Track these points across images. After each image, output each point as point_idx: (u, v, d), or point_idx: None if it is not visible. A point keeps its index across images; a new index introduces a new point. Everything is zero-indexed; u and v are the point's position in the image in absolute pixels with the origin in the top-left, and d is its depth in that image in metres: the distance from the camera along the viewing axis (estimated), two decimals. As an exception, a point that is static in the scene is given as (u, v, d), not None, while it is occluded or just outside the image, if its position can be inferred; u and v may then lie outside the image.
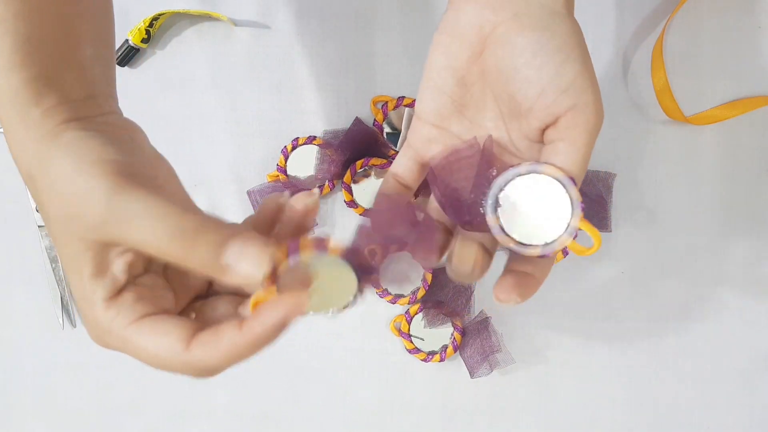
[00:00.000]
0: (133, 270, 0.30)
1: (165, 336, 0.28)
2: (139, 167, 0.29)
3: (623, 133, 0.53)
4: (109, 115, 0.32)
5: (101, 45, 0.34)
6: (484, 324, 0.52)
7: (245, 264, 0.27)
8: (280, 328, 0.28)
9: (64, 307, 0.54)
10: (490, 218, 0.33)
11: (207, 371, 0.29)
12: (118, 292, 0.29)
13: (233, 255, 0.27)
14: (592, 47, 0.52)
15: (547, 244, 0.32)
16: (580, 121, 0.33)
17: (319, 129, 0.53)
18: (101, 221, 0.27)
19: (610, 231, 0.52)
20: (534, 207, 0.33)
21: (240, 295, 0.32)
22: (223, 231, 0.27)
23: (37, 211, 0.53)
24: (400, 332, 0.53)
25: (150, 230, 0.27)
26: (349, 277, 0.30)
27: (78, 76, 0.32)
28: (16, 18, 0.30)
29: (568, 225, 0.33)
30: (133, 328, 0.29)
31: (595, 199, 0.52)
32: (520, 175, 0.33)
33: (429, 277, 0.52)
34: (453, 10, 0.35)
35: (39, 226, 0.53)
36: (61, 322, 0.54)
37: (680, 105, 0.52)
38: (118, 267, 0.29)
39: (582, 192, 0.51)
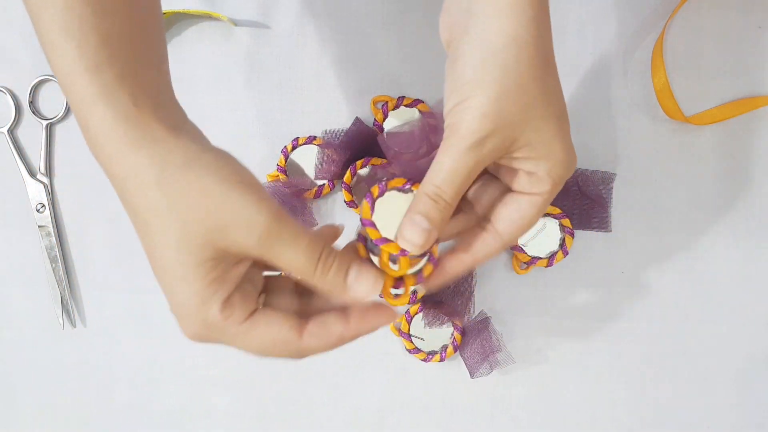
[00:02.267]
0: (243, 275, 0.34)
1: (279, 328, 0.33)
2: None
3: (623, 133, 0.53)
4: (189, 121, 0.35)
5: (163, 43, 0.36)
6: (484, 324, 0.52)
7: (363, 286, 0.34)
8: (378, 328, 0.35)
9: (64, 307, 0.54)
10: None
11: (310, 355, 0.34)
12: (229, 295, 0.33)
13: (353, 279, 0.34)
14: (592, 47, 0.53)
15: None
16: (447, 138, 0.34)
17: (319, 129, 0.53)
18: (256, 241, 0.32)
19: (610, 231, 0.52)
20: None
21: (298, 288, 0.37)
22: (343, 259, 0.34)
23: (38, 211, 0.53)
24: (400, 332, 0.53)
25: (295, 257, 0.33)
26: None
27: (158, 75, 0.34)
28: (95, 15, 0.31)
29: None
30: (248, 323, 0.33)
31: (595, 199, 0.52)
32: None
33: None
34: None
35: (39, 226, 0.53)
36: (61, 322, 0.54)
37: (680, 105, 0.52)
38: (236, 274, 0.33)
39: (582, 192, 0.52)
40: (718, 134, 0.53)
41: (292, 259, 0.33)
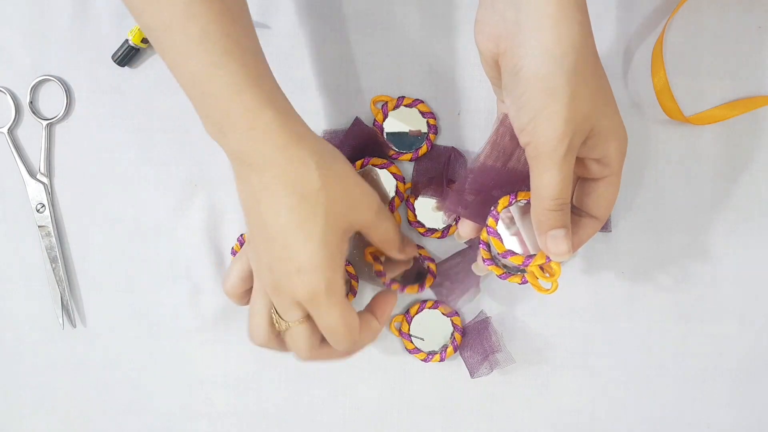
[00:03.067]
0: None
1: (354, 320, 0.42)
2: None
3: (623, 133, 0.53)
4: None
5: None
6: (484, 324, 0.52)
7: (409, 253, 0.49)
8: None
9: (64, 307, 0.54)
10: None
11: (359, 350, 0.45)
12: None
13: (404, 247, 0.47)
14: (592, 47, 0.53)
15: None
16: (536, 154, 0.38)
17: (319, 129, 0.53)
18: (373, 215, 0.43)
19: (610, 231, 0.52)
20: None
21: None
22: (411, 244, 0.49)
23: (38, 211, 0.53)
24: (400, 332, 0.53)
25: (392, 229, 0.45)
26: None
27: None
28: (246, 37, 0.40)
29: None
30: (344, 301, 0.41)
31: (595, 199, 0.52)
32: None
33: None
34: (475, 32, 0.42)
35: (39, 226, 0.53)
36: (61, 322, 0.54)
37: (680, 105, 0.52)
38: (347, 247, 0.42)
39: None
40: (718, 134, 0.53)
41: (389, 230, 0.44)
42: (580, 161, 0.40)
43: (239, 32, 0.39)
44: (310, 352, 0.42)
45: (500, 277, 0.45)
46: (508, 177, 0.42)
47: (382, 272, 0.49)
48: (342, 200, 0.40)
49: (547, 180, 0.38)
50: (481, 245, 0.44)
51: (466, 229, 0.45)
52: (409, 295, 0.51)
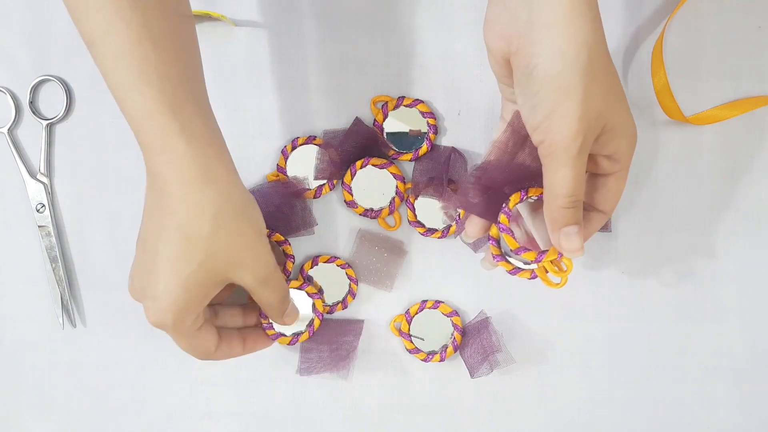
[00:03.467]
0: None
1: (209, 342, 0.44)
2: None
3: (623, 133, 0.53)
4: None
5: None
6: (484, 324, 0.52)
7: (291, 318, 0.48)
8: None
9: (64, 307, 0.54)
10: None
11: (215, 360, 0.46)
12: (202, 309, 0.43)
13: (288, 311, 0.47)
14: (592, 47, 0.53)
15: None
16: (550, 152, 0.38)
17: (319, 129, 0.53)
18: (256, 282, 0.43)
19: (610, 231, 0.52)
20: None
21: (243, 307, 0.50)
22: (293, 305, 0.49)
23: (38, 211, 0.53)
24: (400, 332, 0.53)
25: (275, 296, 0.45)
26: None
27: (209, 111, 0.42)
28: (165, 64, 0.39)
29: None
30: (195, 333, 0.43)
31: (595, 199, 0.52)
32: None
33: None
34: (484, 29, 0.42)
35: (39, 226, 0.53)
36: (61, 322, 0.54)
37: (680, 105, 0.52)
38: (212, 296, 0.43)
39: None
40: (718, 134, 0.53)
41: (269, 297, 0.44)
42: (590, 157, 0.40)
43: (161, 56, 0.38)
44: (189, 352, 0.45)
45: (510, 273, 0.45)
46: (518, 174, 0.43)
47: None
48: (225, 257, 0.40)
49: (561, 178, 0.38)
50: (490, 241, 0.44)
51: (474, 227, 0.45)
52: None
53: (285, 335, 0.50)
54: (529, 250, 0.43)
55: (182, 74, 0.39)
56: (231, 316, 0.48)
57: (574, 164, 0.38)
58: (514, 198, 0.43)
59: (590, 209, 0.43)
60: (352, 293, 0.52)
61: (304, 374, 0.52)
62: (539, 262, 0.43)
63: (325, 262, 0.52)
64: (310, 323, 0.51)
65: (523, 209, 0.44)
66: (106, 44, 0.37)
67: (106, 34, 0.37)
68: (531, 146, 0.40)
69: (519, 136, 0.42)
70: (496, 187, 0.43)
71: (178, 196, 0.39)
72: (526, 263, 0.45)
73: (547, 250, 0.43)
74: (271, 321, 0.49)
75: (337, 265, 0.52)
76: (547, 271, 0.44)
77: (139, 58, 0.37)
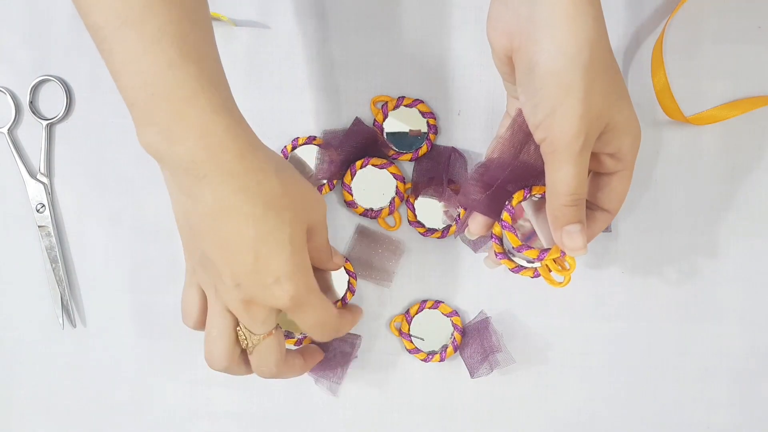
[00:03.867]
0: None
1: (334, 309, 0.44)
2: None
3: (623, 133, 0.53)
4: None
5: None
6: (484, 324, 0.52)
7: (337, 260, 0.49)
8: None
9: (64, 307, 0.54)
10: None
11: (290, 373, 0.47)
12: None
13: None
14: (592, 47, 0.53)
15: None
16: (552, 150, 0.38)
17: (319, 129, 0.53)
18: (323, 217, 0.44)
19: (610, 231, 0.52)
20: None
21: None
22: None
23: (38, 211, 0.53)
24: (400, 332, 0.53)
25: (326, 241, 0.46)
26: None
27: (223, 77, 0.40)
28: (205, 44, 0.39)
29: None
30: (325, 298, 0.43)
31: (595, 199, 0.52)
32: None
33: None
34: (488, 28, 0.42)
35: (39, 226, 0.53)
36: (61, 322, 0.54)
37: (680, 105, 0.52)
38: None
39: None
40: (718, 134, 0.53)
41: (326, 237, 0.45)
42: (594, 155, 0.40)
43: (198, 36, 0.38)
44: (279, 365, 0.43)
45: (512, 271, 0.45)
46: (522, 172, 0.42)
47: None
48: (301, 203, 0.40)
49: (563, 176, 0.38)
50: (493, 239, 0.44)
51: (477, 225, 0.45)
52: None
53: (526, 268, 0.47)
54: (531, 247, 0.43)
55: (215, 53, 0.40)
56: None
57: (576, 162, 0.38)
58: (517, 196, 0.43)
59: (595, 208, 0.43)
60: (351, 289, 0.51)
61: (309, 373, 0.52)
62: (541, 260, 0.43)
63: None
64: (343, 297, 0.51)
65: (526, 207, 0.44)
66: (144, 25, 0.36)
67: (144, 16, 0.36)
68: (534, 144, 0.40)
69: (522, 133, 0.42)
70: (499, 185, 0.43)
71: (239, 171, 0.38)
72: (529, 261, 0.44)
73: (550, 248, 0.43)
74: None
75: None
76: (550, 270, 0.44)
77: (181, 37, 0.36)
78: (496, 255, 0.45)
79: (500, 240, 0.44)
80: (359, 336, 0.53)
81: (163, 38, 0.36)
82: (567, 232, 0.40)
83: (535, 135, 0.39)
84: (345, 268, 0.51)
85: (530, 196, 0.43)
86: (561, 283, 0.44)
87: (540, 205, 0.44)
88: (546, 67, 0.37)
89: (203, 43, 0.38)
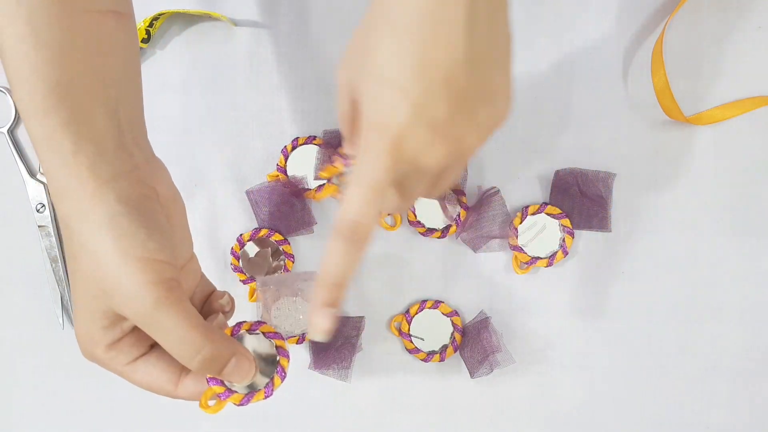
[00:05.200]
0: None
1: (158, 378, 0.37)
2: (169, 256, 0.34)
3: (623, 133, 0.53)
4: (138, 171, 0.35)
5: (126, 84, 0.37)
6: (484, 324, 0.52)
7: (236, 376, 0.37)
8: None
9: (64, 307, 0.54)
10: None
11: (183, 399, 0.38)
12: (115, 341, 0.36)
13: (230, 368, 0.36)
14: (592, 47, 0.53)
15: None
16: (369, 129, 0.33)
17: (319, 129, 0.53)
18: (136, 317, 0.34)
19: (610, 231, 0.52)
20: None
21: None
22: (226, 348, 0.36)
23: (38, 211, 0.53)
24: (400, 332, 0.53)
25: (176, 344, 0.34)
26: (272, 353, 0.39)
27: (107, 119, 0.35)
28: (46, 64, 0.33)
29: None
30: (129, 367, 0.36)
31: (595, 199, 0.52)
32: None
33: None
34: None
35: (39, 226, 0.53)
36: (61, 322, 0.54)
37: (680, 105, 0.52)
38: (126, 325, 0.36)
39: (582, 192, 0.51)
40: (718, 134, 0.53)
41: (170, 345, 0.34)
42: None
43: (43, 56, 0.33)
44: (143, 388, 0.39)
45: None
46: None
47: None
48: (95, 282, 0.34)
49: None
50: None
51: None
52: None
53: (238, 393, 0.38)
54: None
55: (68, 76, 0.34)
56: (153, 364, 0.38)
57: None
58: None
59: None
60: (281, 372, 0.41)
61: (316, 369, 0.52)
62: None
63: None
64: (270, 381, 0.39)
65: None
66: None
67: None
68: None
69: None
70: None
71: (58, 208, 0.34)
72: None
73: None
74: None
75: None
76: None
77: (21, 57, 0.33)
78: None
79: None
80: (362, 318, 0.52)
81: (7, 57, 0.34)
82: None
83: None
84: (277, 345, 0.39)
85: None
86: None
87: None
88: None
89: (51, 64, 0.33)
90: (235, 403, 0.38)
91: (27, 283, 0.54)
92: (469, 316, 0.53)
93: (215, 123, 0.54)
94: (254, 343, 0.39)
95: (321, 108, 0.53)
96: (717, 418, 0.53)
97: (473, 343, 0.52)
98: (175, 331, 0.34)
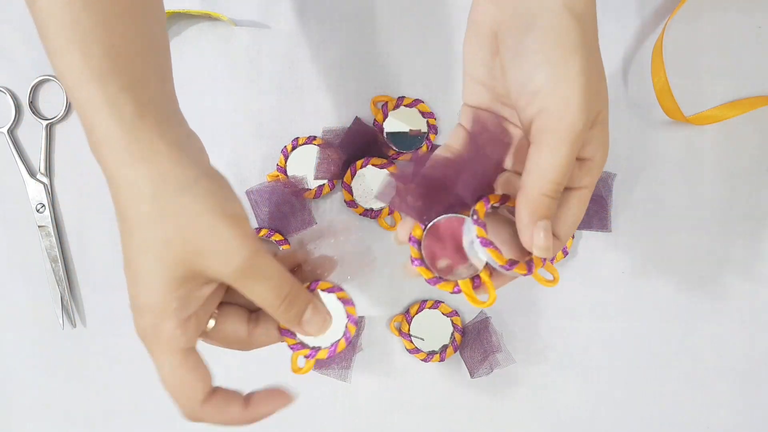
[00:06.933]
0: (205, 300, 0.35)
1: (193, 384, 0.35)
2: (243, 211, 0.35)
3: (623, 133, 0.53)
4: (191, 135, 0.36)
5: (166, 54, 0.37)
6: (484, 324, 0.52)
7: (314, 326, 0.37)
8: (270, 415, 0.38)
9: (64, 307, 0.54)
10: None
11: (199, 419, 0.36)
12: (188, 316, 0.34)
13: (306, 319, 0.37)
14: (592, 47, 0.53)
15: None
16: (550, 125, 0.32)
17: (319, 129, 0.53)
18: (232, 271, 0.33)
19: (610, 231, 0.52)
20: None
21: (250, 309, 0.39)
22: (304, 296, 0.37)
23: (38, 211, 0.53)
24: (400, 332, 0.53)
25: (264, 293, 0.34)
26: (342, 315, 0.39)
27: (164, 87, 0.35)
28: (99, 27, 0.33)
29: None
30: (179, 356, 0.34)
31: (595, 199, 0.52)
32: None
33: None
34: (473, 3, 0.36)
35: (39, 226, 0.53)
36: (61, 322, 0.54)
37: (680, 105, 0.52)
38: (199, 296, 0.34)
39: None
40: (718, 134, 0.53)
41: (260, 294, 0.34)
42: None
43: (94, 20, 0.32)
44: (166, 387, 0.36)
45: (429, 282, 0.37)
46: (472, 176, 0.36)
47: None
48: (181, 243, 0.32)
49: (555, 158, 0.32)
50: (412, 243, 0.37)
51: (406, 232, 0.37)
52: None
53: (308, 347, 0.39)
54: (518, 262, 0.35)
55: (121, 37, 0.33)
56: (232, 323, 0.38)
57: (573, 142, 0.32)
58: (480, 207, 0.36)
59: None
60: (346, 337, 0.43)
61: (316, 369, 0.52)
62: (530, 274, 0.36)
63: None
64: (345, 333, 0.39)
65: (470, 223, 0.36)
66: (36, 3, 0.33)
67: None
68: (484, 156, 0.36)
69: (474, 144, 0.36)
70: (436, 190, 0.37)
71: (115, 182, 0.33)
72: (462, 276, 0.37)
73: (532, 261, 0.36)
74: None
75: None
76: (476, 288, 0.37)
77: (71, 22, 0.32)
78: (412, 261, 0.37)
79: (419, 244, 0.37)
80: (362, 318, 0.52)
81: (51, 21, 0.33)
82: (538, 228, 0.33)
83: (524, 112, 0.33)
84: (338, 297, 0.39)
85: (490, 206, 0.36)
86: (485, 302, 0.37)
87: (494, 218, 0.37)
88: (549, 23, 0.32)
89: (101, 26, 0.33)
90: (322, 358, 0.39)
91: (27, 283, 0.54)
92: (469, 316, 0.53)
93: (215, 123, 0.54)
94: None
95: (321, 108, 0.53)
96: (717, 418, 0.53)
97: (473, 343, 0.52)
98: (272, 279, 0.34)
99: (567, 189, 0.34)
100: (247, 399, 0.37)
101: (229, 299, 0.38)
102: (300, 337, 0.39)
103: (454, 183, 0.36)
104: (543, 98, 0.32)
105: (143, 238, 0.33)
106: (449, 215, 0.36)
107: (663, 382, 0.53)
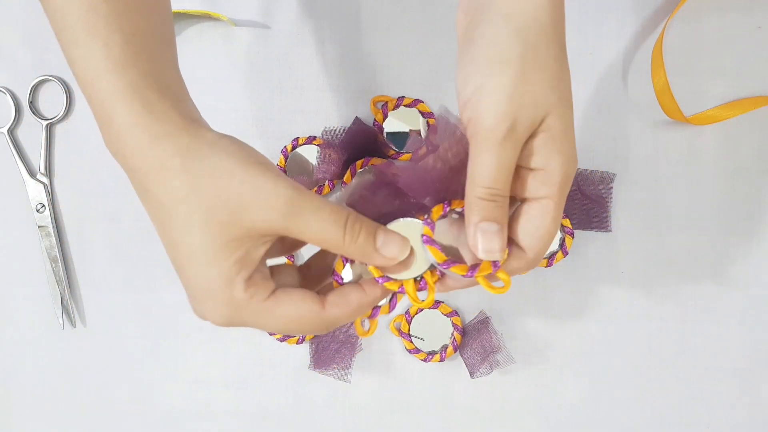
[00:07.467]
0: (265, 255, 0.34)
1: (303, 302, 0.34)
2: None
3: (623, 133, 0.53)
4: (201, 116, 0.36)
5: (175, 44, 0.38)
6: (484, 324, 0.52)
7: (392, 249, 0.34)
8: (388, 294, 0.36)
9: (64, 307, 0.54)
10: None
11: (335, 326, 0.35)
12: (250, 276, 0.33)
13: (382, 243, 0.34)
14: (592, 47, 0.53)
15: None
16: (474, 133, 0.33)
17: (319, 129, 0.53)
18: (279, 216, 0.32)
19: (610, 231, 0.52)
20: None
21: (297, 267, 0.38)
22: (370, 224, 0.34)
23: (38, 211, 0.53)
24: (400, 332, 0.53)
25: (321, 226, 0.33)
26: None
27: (176, 73, 0.36)
28: (120, 16, 0.33)
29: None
30: (272, 301, 0.34)
31: (595, 199, 0.52)
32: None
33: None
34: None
35: (39, 226, 0.53)
36: (61, 322, 0.54)
37: (680, 105, 0.52)
38: (258, 254, 0.33)
39: (582, 192, 0.51)
40: (718, 134, 0.53)
41: (318, 228, 0.33)
42: (517, 170, 0.34)
43: (114, 9, 0.33)
44: (289, 330, 0.35)
45: (377, 280, 0.36)
46: (441, 183, 0.36)
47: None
48: (222, 204, 0.32)
49: (481, 163, 0.33)
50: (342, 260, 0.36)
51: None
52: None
53: (394, 279, 0.36)
54: (457, 263, 0.35)
55: (137, 28, 0.34)
56: (287, 275, 0.37)
57: (496, 151, 0.32)
58: (436, 210, 0.36)
59: (510, 242, 0.35)
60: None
61: (316, 369, 0.52)
62: (472, 276, 0.35)
63: None
64: (422, 277, 0.36)
65: (444, 224, 0.37)
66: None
67: None
68: (444, 160, 0.36)
69: (433, 149, 0.36)
70: (395, 197, 0.37)
71: (139, 169, 0.33)
72: (405, 277, 0.36)
73: (479, 264, 0.35)
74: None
75: None
76: (419, 290, 0.36)
77: (89, 11, 0.33)
78: (333, 275, 0.37)
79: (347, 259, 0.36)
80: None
81: (68, 14, 0.33)
82: (481, 230, 0.33)
83: (463, 115, 0.34)
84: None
85: (450, 210, 0.36)
86: (501, 288, 0.36)
87: (460, 223, 0.37)
88: (486, 37, 0.33)
89: (122, 17, 0.33)
90: (385, 314, 0.37)
91: (27, 283, 0.54)
92: (469, 316, 0.53)
93: (215, 123, 0.53)
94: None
95: (321, 108, 0.53)
96: (717, 418, 0.53)
97: (473, 343, 0.52)
98: (324, 209, 0.33)
99: (525, 200, 0.35)
100: (360, 285, 0.36)
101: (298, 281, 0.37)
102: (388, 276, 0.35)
103: (412, 188, 0.36)
104: (471, 107, 0.33)
105: (183, 216, 0.32)
106: (407, 219, 0.36)
107: (663, 382, 0.53)
